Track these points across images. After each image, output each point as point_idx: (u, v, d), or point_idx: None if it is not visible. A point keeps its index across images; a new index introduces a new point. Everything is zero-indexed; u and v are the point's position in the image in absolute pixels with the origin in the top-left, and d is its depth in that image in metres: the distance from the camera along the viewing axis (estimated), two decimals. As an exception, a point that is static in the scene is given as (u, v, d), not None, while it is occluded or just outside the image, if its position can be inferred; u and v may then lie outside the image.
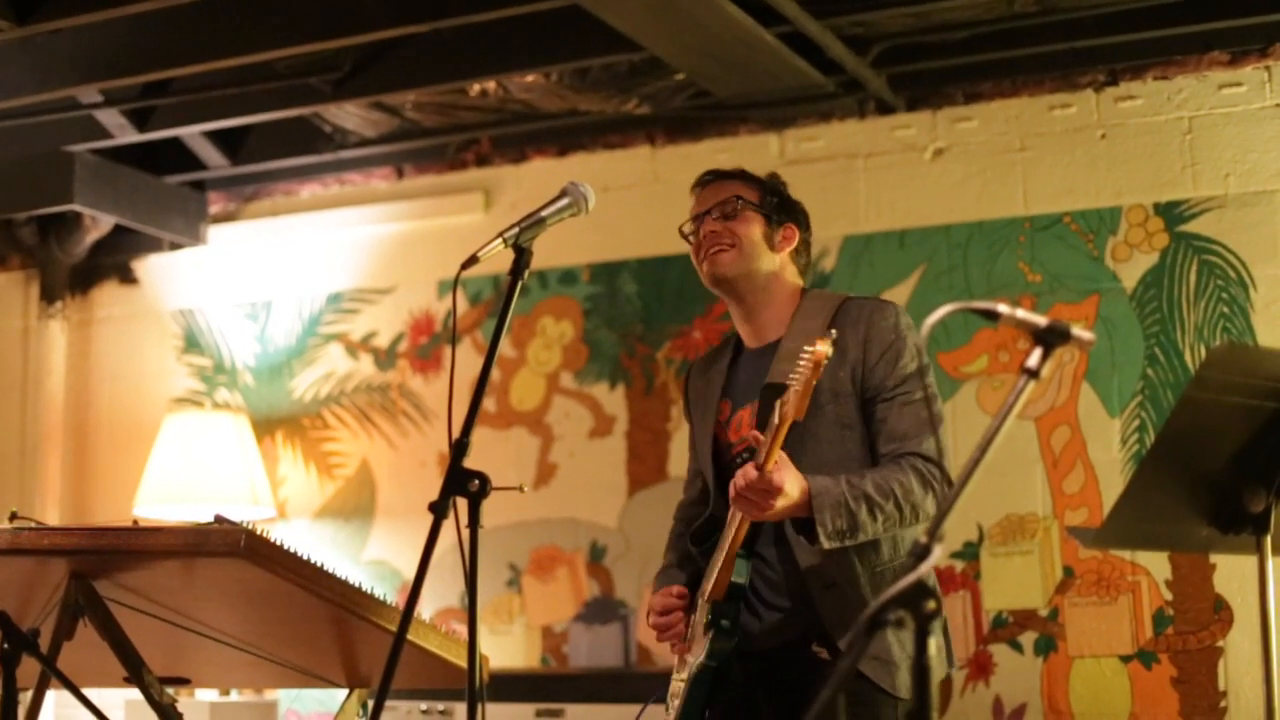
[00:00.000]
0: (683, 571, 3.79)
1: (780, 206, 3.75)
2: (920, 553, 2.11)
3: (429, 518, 2.92)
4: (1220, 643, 5.01)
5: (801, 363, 3.13)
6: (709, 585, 3.54)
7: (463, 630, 3.22)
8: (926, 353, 3.65)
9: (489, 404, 6.07)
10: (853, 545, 3.45)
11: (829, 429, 3.54)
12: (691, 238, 3.76)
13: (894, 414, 3.53)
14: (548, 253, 5.42)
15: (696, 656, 3.54)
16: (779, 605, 3.55)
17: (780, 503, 3.32)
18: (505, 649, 5.95)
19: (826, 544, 3.36)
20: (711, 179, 3.82)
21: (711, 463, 3.71)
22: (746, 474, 3.31)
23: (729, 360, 3.80)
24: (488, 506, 2.97)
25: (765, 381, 3.56)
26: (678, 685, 3.60)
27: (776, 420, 3.22)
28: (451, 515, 2.95)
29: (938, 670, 3.51)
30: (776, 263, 3.71)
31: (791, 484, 3.32)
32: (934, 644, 2.10)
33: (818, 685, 3.39)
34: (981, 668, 5.27)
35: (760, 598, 3.57)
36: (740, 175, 3.81)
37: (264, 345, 6.59)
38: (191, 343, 6.74)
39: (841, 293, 3.77)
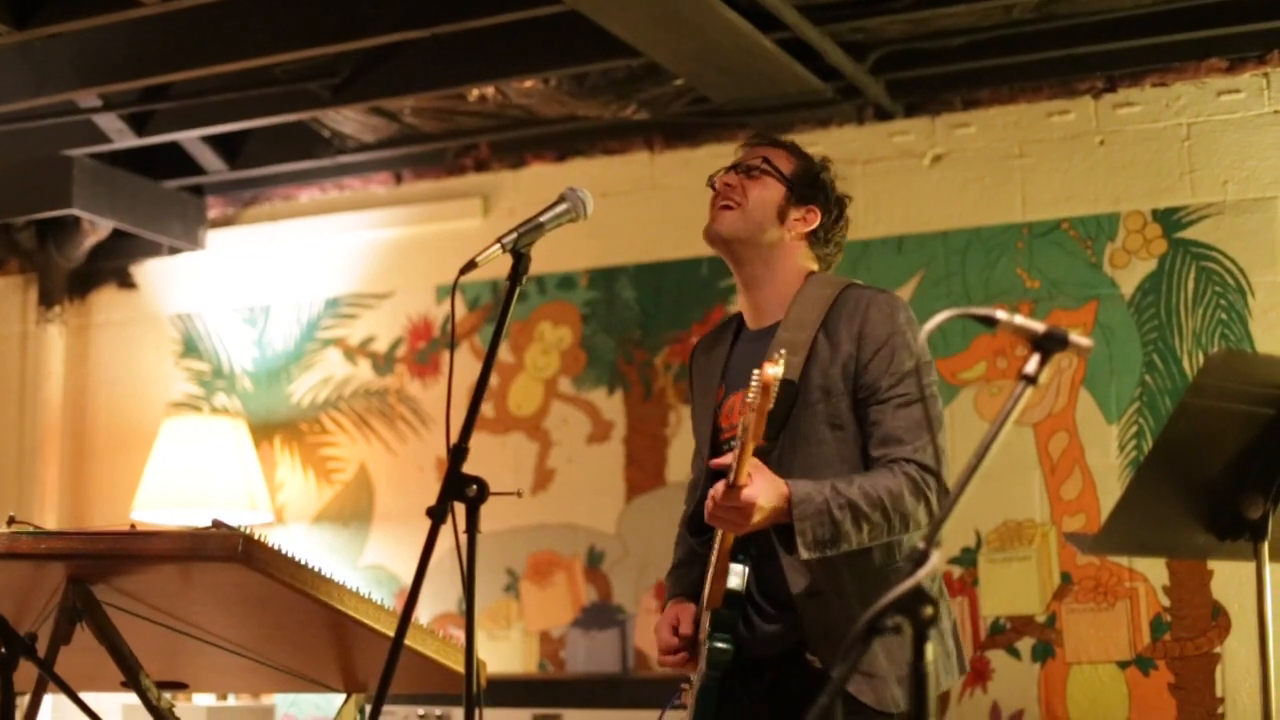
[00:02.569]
0: (691, 571, 3.65)
1: (810, 185, 3.60)
2: (918, 559, 2.10)
3: (426, 523, 2.92)
4: (1218, 649, 5.01)
5: (752, 385, 3.01)
6: (706, 592, 3.43)
7: (460, 635, 3.23)
8: (928, 348, 3.47)
9: (487, 409, 6.07)
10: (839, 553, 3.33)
11: (820, 429, 3.40)
12: (714, 182, 3.65)
13: (888, 416, 3.36)
14: (546, 258, 5.42)
15: (702, 668, 3.44)
16: (773, 614, 3.42)
17: (758, 516, 3.20)
18: (503, 654, 5.95)
19: (805, 554, 3.24)
20: (758, 141, 3.71)
21: (708, 448, 3.60)
22: (716, 491, 3.19)
23: (730, 340, 3.67)
24: (485, 511, 2.97)
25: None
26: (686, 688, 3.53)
27: (740, 442, 3.11)
28: (449, 520, 2.95)
29: (943, 678, 3.44)
30: (783, 238, 3.55)
31: (768, 495, 3.19)
32: (931, 650, 2.09)
33: (814, 695, 3.31)
34: (979, 674, 5.27)
35: (757, 605, 3.43)
36: (787, 146, 3.68)
37: (262, 350, 6.59)
38: (190, 347, 6.74)
39: (844, 279, 3.58)
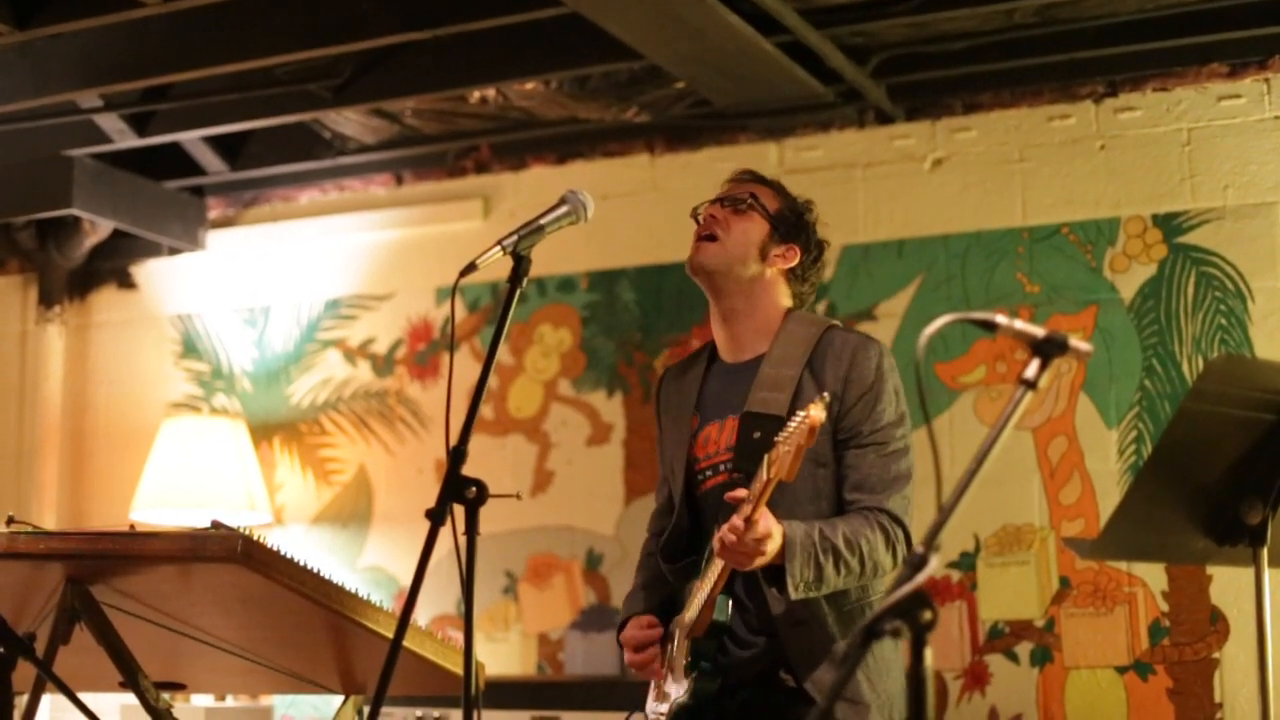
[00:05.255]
0: (652, 595, 3.72)
1: (793, 225, 3.65)
2: (917, 563, 2.10)
3: (425, 524, 2.92)
4: (1216, 654, 5.01)
5: (793, 425, 3.08)
6: (688, 619, 3.50)
7: (459, 637, 3.23)
8: (904, 399, 3.57)
9: (486, 411, 6.07)
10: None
11: (804, 465, 3.37)
12: (699, 214, 3.69)
13: (865, 462, 3.47)
14: (546, 260, 5.42)
15: (677, 694, 3.49)
16: (752, 641, 3.50)
17: (770, 548, 3.25)
18: (501, 656, 5.95)
19: (794, 595, 3.31)
20: (746, 178, 3.76)
21: (682, 476, 3.65)
22: (735, 529, 3.23)
23: (703, 370, 3.72)
24: (484, 513, 2.97)
25: (745, 408, 3.51)
26: (656, 717, 3.56)
27: (765, 477, 3.16)
28: (448, 522, 2.95)
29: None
30: (764, 273, 3.61)
31: (774, 532, 3.26)
32: (930, 654, 2.10)
33: (786, 711, 3.41)
34: (977, 678, 5.27)
35: (734, 634, 3.52)
36: (772, 185, 3.74)
37: (262, 351, 6.59)
38: (189, 348, 6.74)
39: (825, 318, 3.69)
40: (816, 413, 3.05)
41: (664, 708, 3.54)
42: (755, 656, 3.49)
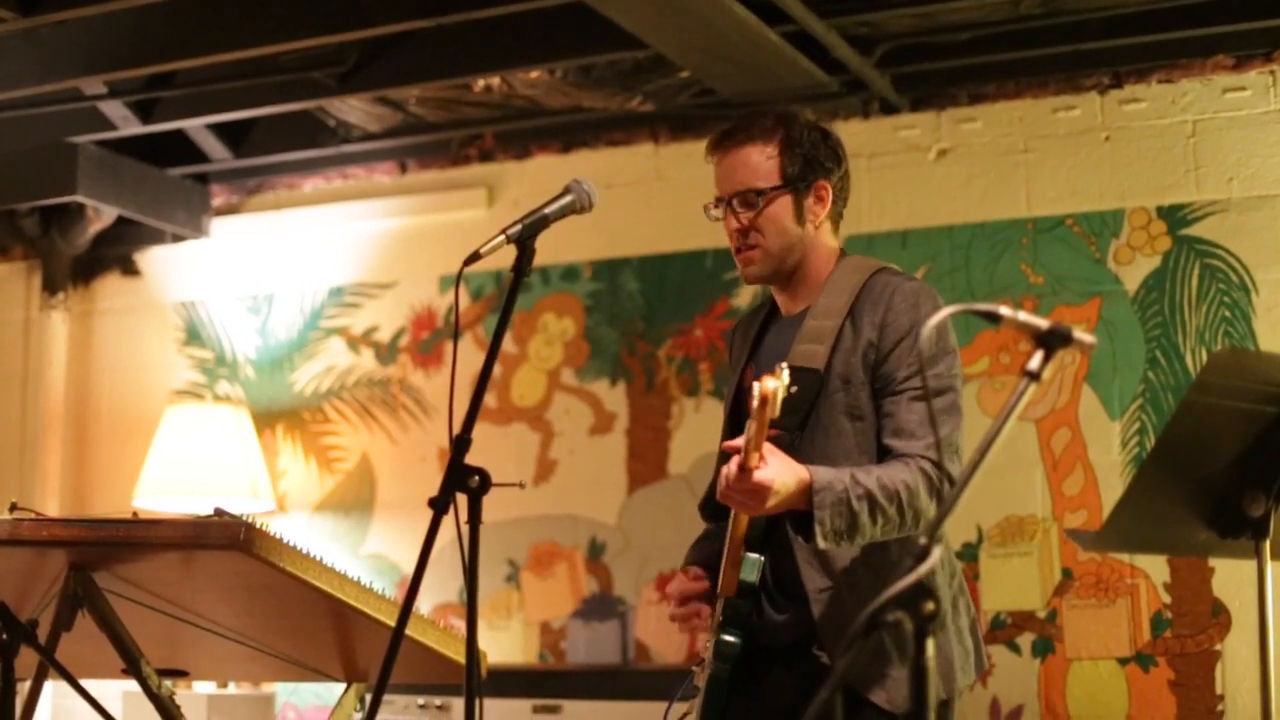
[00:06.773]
0: (709, 545, 3.59)
1: (806, 166, 3.43)
2: (919, 554, 2.10)
3: (428, 513, 2.92)
4: (1218, 646, 5.01)
5: (753, 400, 2.96)
6: (721, 580, 3.38)
7: (461, 625, 3.22)
8: (950, 335, 3.38)
9: (490, 400, 6.07)
10: (855, 547, 3.30)
11: (839, 419, 3.34)
12: (718, 219, 3.51)
13: (902, 408, 3.29)
14: (550, 249, 5.41)
15: (710, 659, 3.40)
16: (785, 604, 3.38)
17: (772, 500, 3.13)
18: (503, 644, 5.95)
19: (823, 544, 3.18)
20: (728, 145, 3.47)
21: (730, 428, 3.52)
22: (729, 472, 3.13)
23: (762, 321, 3.60)
24: (487, 502, 2.96)
25: (788, 362, 3.26)
26: (694, 685, 3.48)
27: (749, 430, 3.05)
28: (451, 511, 2.95)
29: (959, 676, 3.36)
30: (810, 234, 3.45)
31: (785, 478, 3.13)
32: (931, 646, 2.09)
33: (818, 690, 3.29)
34: (979, 669, 5.26)
35: (771, 596, 3.39)
36: (754, 139, 3.45)
37: (265, 338, 6.59)
38: (193, 335, 6.74)
39: (877, 262, 3.49)
40: (771, 384, 2.94)
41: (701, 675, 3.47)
42: (788, 624, 3.36)
